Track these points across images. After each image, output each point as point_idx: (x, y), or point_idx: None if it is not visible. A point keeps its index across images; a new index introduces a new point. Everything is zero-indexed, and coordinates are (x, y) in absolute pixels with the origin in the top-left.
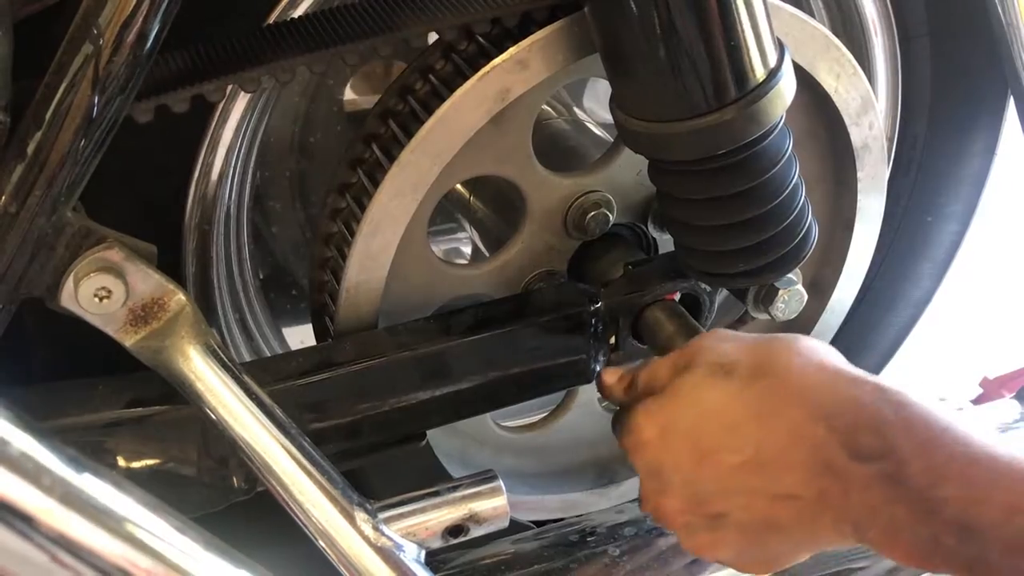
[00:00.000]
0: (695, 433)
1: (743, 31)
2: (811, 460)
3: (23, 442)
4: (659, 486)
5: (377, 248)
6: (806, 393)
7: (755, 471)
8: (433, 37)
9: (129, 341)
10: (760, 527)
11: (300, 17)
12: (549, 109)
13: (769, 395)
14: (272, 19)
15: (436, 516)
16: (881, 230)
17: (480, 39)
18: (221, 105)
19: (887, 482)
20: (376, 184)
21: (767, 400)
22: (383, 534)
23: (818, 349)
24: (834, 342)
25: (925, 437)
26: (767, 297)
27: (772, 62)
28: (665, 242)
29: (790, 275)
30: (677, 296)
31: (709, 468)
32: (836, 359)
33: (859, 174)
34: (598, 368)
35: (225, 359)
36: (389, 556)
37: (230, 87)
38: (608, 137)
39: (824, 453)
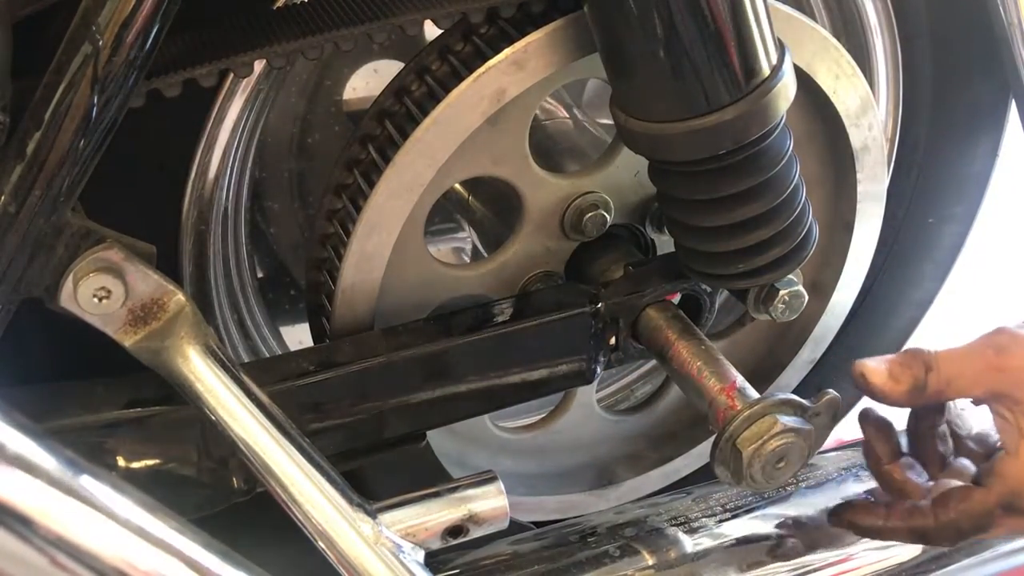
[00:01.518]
0: None
1: (744, 30)
2: None
3: (21, 444)
4: None
5: (373, 249)
6: None
7: None
8: (431, 33)
9: (128, 341)
10: None
11: (299, 4)
12: (547, 109)
13: None
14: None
15: (435, 517)
16: (882, 231)
17: (476, 39)
18: (218, 103)
19: None
20: (372, 185)
21: None
22: (382, 535)
23: None
24: (835, 343)
25: None
26: (768, 298)
27: (773, 61)
28: (663, 243)
29: (791, 276)
30: (677, 297)
31: None
32: None
33: (859, 175)
34: (598, 369)
35: (224, 359)
36: (388, 557)
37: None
38: (606, 137)
39: None
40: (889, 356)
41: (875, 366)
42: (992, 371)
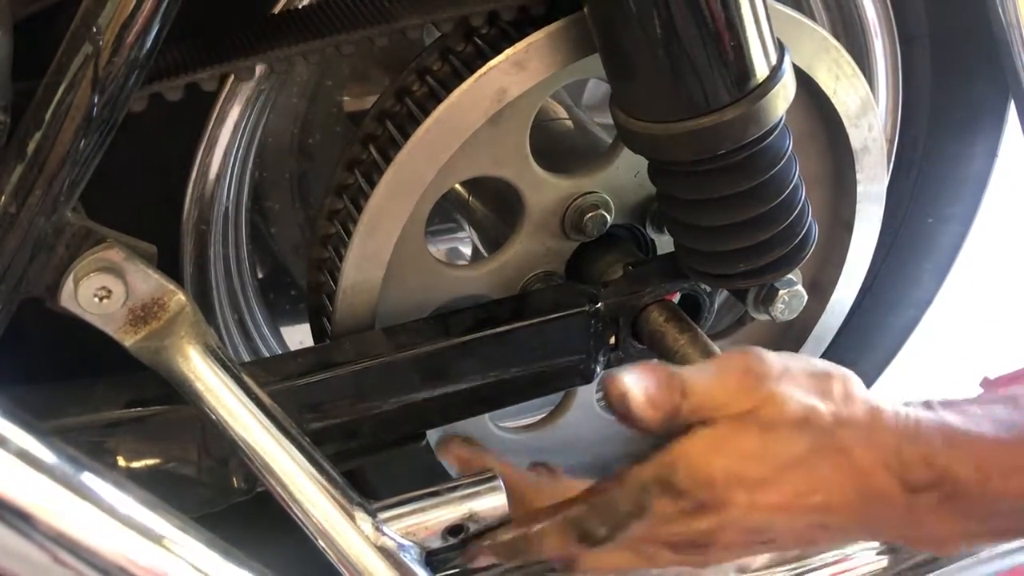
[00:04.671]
0: (773, 480)
1: (744, 31)
2: (872, 496)
3: (24, 441)
4: (714, 519)
5: (374, 249)
6: (872, 440)
7: (822, 510)
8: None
9: (129, 341)
10: (804, 544)
11: (300, 8)
12: (548, 109)
13: (843, 449)
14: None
15: (436, 516)
16: (882, 231)
17: (478, 40)
18: (219, 105)
19: (944, 501)
20: (373, 185)
21: (842, 453)
22: (383, 534)
23: (863, 392)
24: (835, 343)
25: (968, 450)
26: (767, 298)
27: (772, 62)
28: (663, 243)
29: (790, 276)
30: (677, 297)
31: (783, 513)
32: (877, 399)
33: (858, 175)
34: (598, 369)
35: (225, 359)
36: (389, 556)
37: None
38: (607, 138)
39: (884, 491)
40: (644, 375)
41: (637, 391)
42: (746, 392)
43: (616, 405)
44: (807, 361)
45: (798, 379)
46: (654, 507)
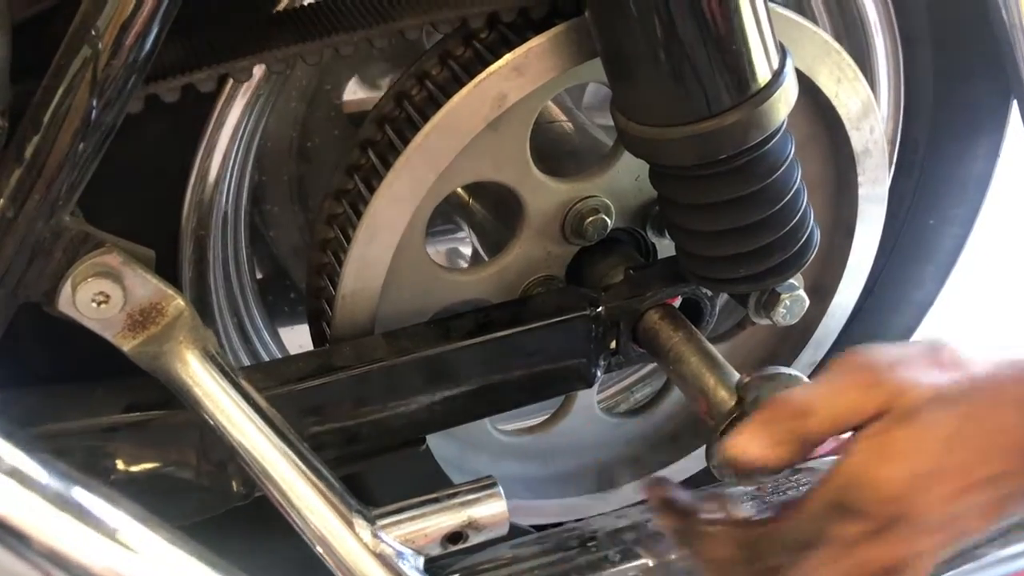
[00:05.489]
0: (941, 467)
1: (745, 35)
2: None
3: (13, 457)
4: (906, 532)
5: (373, 254)
6: (1004, 394)
7: (996, 479)
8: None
9: (127, 346)
10: (992, 520)
11: (297, 8)
12: (549, 112)
13: (984, 412)
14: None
15: (435, 523)
16: (883, 233)
17: (477, 44)
18: (218, 108)
19: None
20: (372, 190)
21: (986, 416)
22: (382, 540)
23: (970, 352)
24: (836, 346)
25: None
26: (769, 302)
27: (774, 66)
28: (664, 247)
29: (792, 280)
30: (678, 301)
31: (965, 495)
32: (984, 354)
33: (860, 178)
34: (599, 373)
35: (223, 364)
36: (388, 563)
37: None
38: (607, 141)
39: None
40: (752, 421)
41: (746, 441)
42: (870, 389)
43: (735, 468)
44: (904, 345)
45: (911, 362)
46: (834, 533)
